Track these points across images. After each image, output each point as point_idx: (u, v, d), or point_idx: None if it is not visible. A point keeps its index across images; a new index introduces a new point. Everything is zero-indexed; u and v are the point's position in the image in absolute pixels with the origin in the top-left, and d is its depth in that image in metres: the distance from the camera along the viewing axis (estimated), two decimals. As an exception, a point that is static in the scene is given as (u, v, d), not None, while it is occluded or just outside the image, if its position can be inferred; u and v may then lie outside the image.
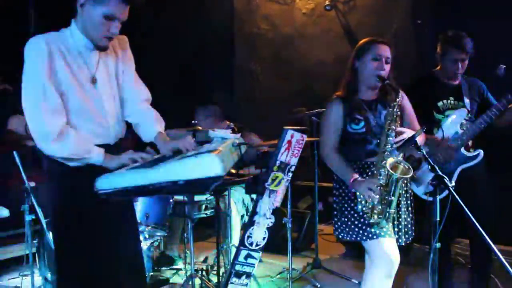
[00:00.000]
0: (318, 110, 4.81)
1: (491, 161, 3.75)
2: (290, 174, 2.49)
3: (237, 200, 4.58)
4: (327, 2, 6.87)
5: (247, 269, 2.52)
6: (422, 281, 4.28)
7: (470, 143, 3.69)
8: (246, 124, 5.41)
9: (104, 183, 2.08)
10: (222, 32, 7.41)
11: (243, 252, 2.50)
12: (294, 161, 2.48)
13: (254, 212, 2.47)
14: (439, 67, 3.84)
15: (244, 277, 2.53)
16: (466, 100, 3.72)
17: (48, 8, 5.60)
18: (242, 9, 7.54)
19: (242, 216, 4.65)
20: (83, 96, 2.46)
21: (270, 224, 2.51)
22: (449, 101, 3.74)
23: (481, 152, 3.62)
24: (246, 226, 2.52)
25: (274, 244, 4.62)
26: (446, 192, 2.95)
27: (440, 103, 3.73)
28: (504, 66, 3.51)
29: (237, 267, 2.51)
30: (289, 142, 2.46)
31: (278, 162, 2.45)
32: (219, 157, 2.00)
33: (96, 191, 2.10)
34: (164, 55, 6.13)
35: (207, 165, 1.98)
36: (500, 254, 2.37)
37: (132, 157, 2.45)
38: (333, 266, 4.93)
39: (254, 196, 4.65)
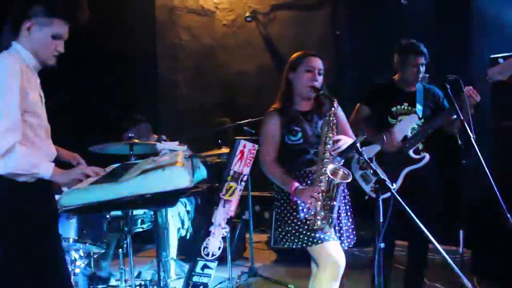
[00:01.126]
0: (250, 120, 4.84)
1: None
2: (243, 184, 2.53)
3: (174, 214, 4.54)
4: (247, 14, 6.98)
5: (204, 279, 2.53)
6: (352, 282, 4.43)
7: (420, 146, 3.87)
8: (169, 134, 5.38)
9: (69, 199, 2.03)
10: (145, 43, 7.33)
11: (200, 263, 2.50)
12: (246, 170, 2.52)
13: (209, 223, 2.49)
14: (397, 75, 4.01)
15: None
16: (419, 107, 3.90)
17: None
18: (164, 20, 7.51)
19: (178, 230, 4.61)
20: (39, 114, 2.51)
21: (225, 234, 2.54)
22: (402, 106, 3.90)
23: (427, 155, 3.80)
24: (202, 237, 2.52)
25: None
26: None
27: (393, 108, 3.90)
28: (428, 75, 3.74)
29: (195, 278, 2.51)
30: (242, 152, 2.50)
31: (231, 172, 2.49)
32: (186, 169, 2.00)
33: (61, 207, 2.04)
34: (86, 69, 5.97)
35: (175, 177, 1.98)
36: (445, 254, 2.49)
37: (84, 171, 2.41)
38: (267, 273, 4.97)
39: (189, 208, 4.66)
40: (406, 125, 3.85)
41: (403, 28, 5.58)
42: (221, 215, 2.51)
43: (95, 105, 6.24)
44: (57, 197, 2.34)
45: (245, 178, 2.53)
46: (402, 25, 5.65)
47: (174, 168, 2.01)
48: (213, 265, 2.54)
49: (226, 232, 2.54)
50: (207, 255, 2.51)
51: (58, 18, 2.50)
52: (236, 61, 7.29)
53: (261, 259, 5.55)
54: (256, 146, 2.54)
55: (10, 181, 2.36)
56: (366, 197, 3.78)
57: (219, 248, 2.53)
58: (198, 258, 2.50)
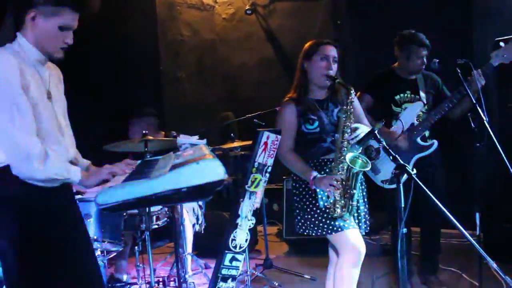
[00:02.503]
0: (259, 112, 4.86)
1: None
2: (268, 175, 2.55)
3: (188, 209, 4.55)
4: (247, 7, 6.98)
5: (232, 272, 2.54)
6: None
7: (426, 133, 3.91)
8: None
9: (105, 197, 2.02)
10: (146, 40, 7.32)
11: (228, 256, 2.51)
12: (270, 161, 2.53)
13: (236, 215, 2.50)
14: (397, 63, 4.05)
15: (230, 280, 2.55)
16: (422, 94, 3.95)
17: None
18: (164, 16, 7.51)
19: (193, 225, 4.62)
20: (45, 113, 2.32)
21: (252, 226, 2.55)
22: (405, 94, 3.95)
23: (436, 142, 3.85)
24: (229, 229, 2.53)
25: (217, 249, 4.62)
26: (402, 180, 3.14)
27: (397, 97, 3.95)
28: (438, 60, 3.73)
29: (223, 271, 2.52)
30: (265, 143, 2.51)
31: (256, 164, 2.49)
32: (219, 161, 2.01)
33: (98, 206, 2.04)
34: (87, 67, 5.94)
35: (210, 170, 1.99)
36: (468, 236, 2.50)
37: (112, 171, 2.38)
38: (281, 264, 5.01)
39: (201, 203, 4.67)
40: (412, 113, 3.90)
41: (404, 15, 5.60)
42: (247, 207, 2.52)
43: (98, 104, 6.22)
44: (93, 195, 2.31)
45: (269, 169, 2.55)
46: (403, 12, 5.66)
47: (207, 161, 2.02)
48: (241, 257, 2.55)
49: (252, 224, 2.55)
50: (235, 247, 2.51)
51: (66, 7, 2.28)
52: (237, 54, 7.30)
53: (273, 251, 5.58)
54: (279, 136, 2.54)
55: (24, 190, 2.24)
56: (386, 186, 3.82)
57: (246, 240, 2.54)
58: (226, 251, 2.51)
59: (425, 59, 3.92)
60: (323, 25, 6.57)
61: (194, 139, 2.71)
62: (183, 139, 2.72)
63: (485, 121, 3.32)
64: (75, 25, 2.36)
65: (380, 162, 3.83)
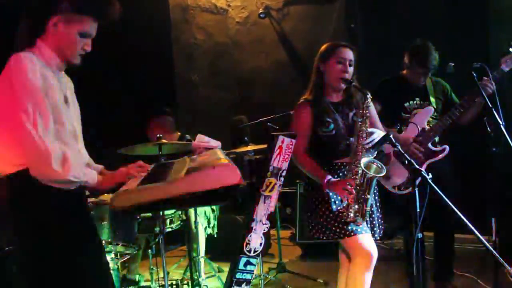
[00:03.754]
0: (273, 116, 4.85)
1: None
2: (282, 179, 2.54)
3: (200, 213, 4.55)
4: (260, 10, 6.97)
5: (247, 276, 2.53)
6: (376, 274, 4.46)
7: (436, 138, 3.89)
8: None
9: (122, 200, 2.03)
10: (160, 44, 7.35)
11: (243, 260, 2.50)
12: (285, 165, 2.52)
13: (251, 219, 2.49)
14: (405, 71, 4.03)
15: (244, 284, 2.54)
16: (432, 99, 3.94)
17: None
18: (178, 20, 7.53)
19: (205, 229, 4.62)
20: (64, 116, 2.35)
21: (266, 230, 2.54)
22: (415, 101, 3.95)
23: (447, 147, 3.82)
24: (244, 233, 2.52)
25: (230, 253, 4.61)
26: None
27: (406, 104, 3.94)
28: (453, 64, 3.71)
29: (238, 275, 2.51)
30: (280, 147, 2.50)
31: (271, 168, 2.49)
32: (235, 166, 2.01)
33: (113, 209, 2.04)
34: (101, 71, 5.97)
35: (226, 174, 1.99)
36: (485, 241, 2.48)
37: (127, 173, 2.39)
38: (294, 268, 5.00)
39: (214, 207, 4.66)
40: (423, 117, 3.88)
41: (419, 18, 5.57)
42: (262, 211, 2.51)
43: (112, 107, 6.25)
44: (108, 196, 2.31)
45: (283, 173, 2.53)
46: (418, 15, 5.64)
47: (223, 165, 2.02)
48: (256, 261, 2.54)
49: (267, 227, 2.54)
50: (249, 251, 2.51)
51: (87, 15, 2.34)
52: (250, 58, 7.30)
53: (286, 254, 5.56)
54: (294, 141, 2.54)
55: (46, 188, 2.24)
56: (398, 192, 3.81)
57: (261, 244, 2.53)
58: (241, 255, 2.50)
59: (423, 77, 3.96)
60: (336, 29, 6.55)
61: (214, 141, 2.70)
62: (202, 138, 2.71)
63: (501, 126, 3.30)
64: (94, 34, 2.42)
65: (391, 167, 3.80)
